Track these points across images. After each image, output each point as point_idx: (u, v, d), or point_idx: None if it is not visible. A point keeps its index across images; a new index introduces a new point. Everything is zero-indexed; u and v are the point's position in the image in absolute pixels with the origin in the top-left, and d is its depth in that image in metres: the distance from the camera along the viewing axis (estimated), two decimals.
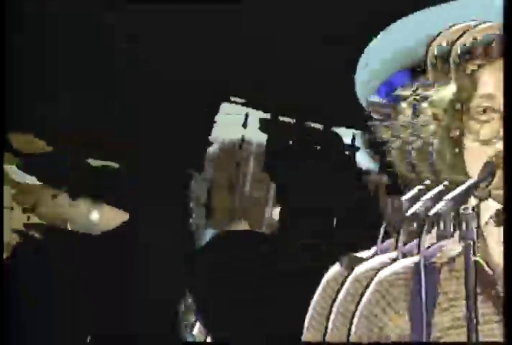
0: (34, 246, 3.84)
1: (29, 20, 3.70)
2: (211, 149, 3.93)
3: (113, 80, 3.83)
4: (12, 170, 3.91)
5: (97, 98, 3.84)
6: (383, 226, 1.76)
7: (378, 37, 1.93)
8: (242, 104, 4.01)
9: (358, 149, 3.66)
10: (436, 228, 1.54)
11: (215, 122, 4.12)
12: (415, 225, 1.63)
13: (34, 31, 3.72)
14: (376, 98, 1.88)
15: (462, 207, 1.57)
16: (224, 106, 4.33)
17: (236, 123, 4.25)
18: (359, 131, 4.21)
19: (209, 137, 3.93)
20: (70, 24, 3.72)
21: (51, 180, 3.93)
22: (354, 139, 4.29)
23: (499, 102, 1.70)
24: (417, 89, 1.81)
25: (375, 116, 1.88)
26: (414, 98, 1.82)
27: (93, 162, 3.98)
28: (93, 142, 3.82)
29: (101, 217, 4.04)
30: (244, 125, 4.22)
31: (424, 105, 1.80)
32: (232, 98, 4.08)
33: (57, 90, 3.78)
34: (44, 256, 3.75)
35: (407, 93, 1.85)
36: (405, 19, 1.90)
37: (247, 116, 4.02)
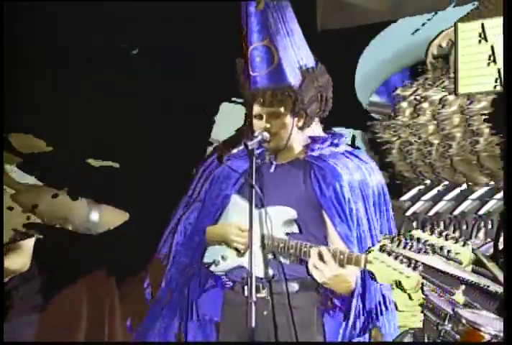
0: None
1: (27, 18, 3.70)
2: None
3: (112, 79, 3.82)
4: (12, 170, 3.90)
5: (97, 97, 3.83)
6: None
7: (372, 41, 1.94)
8: (242, 104, 3.98)
9: (358, 148, 3.63)
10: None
11: (214, 122, 4.09)
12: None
13: (33, 31, 3.72)
14: (376, 98, 1.89)
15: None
16: (224, 106, 4.28)
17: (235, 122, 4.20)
18: (358, 131, 4.18)
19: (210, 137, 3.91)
20: (70, 22, 3.72)
21: (51, 179, 3.91)
22: (353, 138, 4.24)
23: None
24: (417, 89, 1.83)
25: (375, 116, 1.90)
26: (415, 98, 1.83)
27: (93, 162, 3.95)
28: (92, 142, 3.80)
29: (101, 216, 4.02)
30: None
31: (425, 105, 1.81)
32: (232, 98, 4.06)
33: (56, 91, 3.78)
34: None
35: (407, 93, 1.86)
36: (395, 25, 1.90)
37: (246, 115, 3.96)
